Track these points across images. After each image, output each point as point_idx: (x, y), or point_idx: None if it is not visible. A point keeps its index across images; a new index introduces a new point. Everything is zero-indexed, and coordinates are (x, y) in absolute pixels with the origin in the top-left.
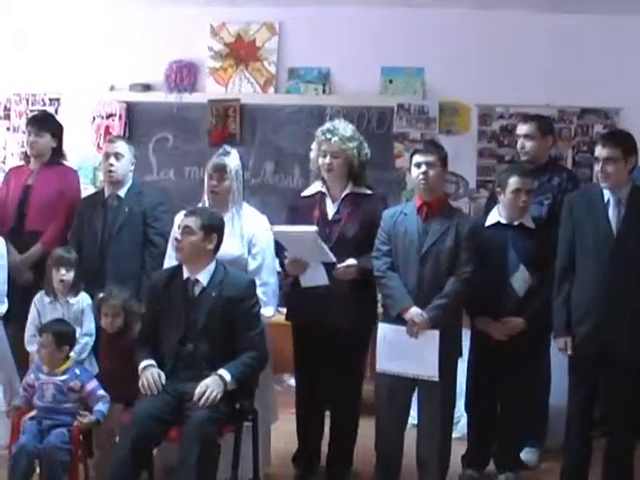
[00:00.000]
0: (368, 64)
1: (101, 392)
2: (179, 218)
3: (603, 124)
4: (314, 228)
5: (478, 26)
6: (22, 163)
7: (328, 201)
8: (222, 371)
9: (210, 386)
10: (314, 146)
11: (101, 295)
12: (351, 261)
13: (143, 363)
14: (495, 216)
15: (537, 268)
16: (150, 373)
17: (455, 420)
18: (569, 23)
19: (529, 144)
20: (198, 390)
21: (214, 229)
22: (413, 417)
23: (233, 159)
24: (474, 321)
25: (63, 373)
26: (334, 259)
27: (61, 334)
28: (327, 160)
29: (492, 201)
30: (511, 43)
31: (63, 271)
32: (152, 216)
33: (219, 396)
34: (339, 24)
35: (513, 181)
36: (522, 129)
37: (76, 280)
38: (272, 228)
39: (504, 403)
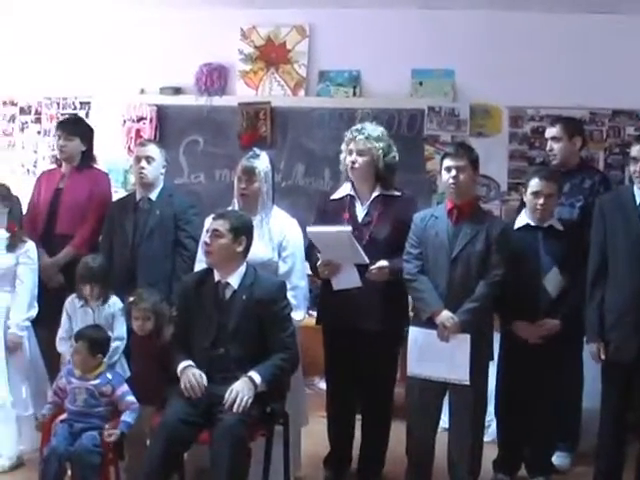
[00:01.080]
0: (398, 66)
1: (130, 398)
2: (208, 222)
3: (635, 126)
4: (349, 228)
5: (509, 28)
6: (54, 166)
7: (357, 203)
8: (252, 373)
9: (241, 391)
10: (343, 147)
11: (131, 298)
12: (383, 262)
13: (182, 364)
14: (523, 218)
15: (568, 269)
16: (192, 374)
17: (486, 424)
18: (601, 24)
19: (556, 146)
20: (228, 395)
21: (243, 231)
22: (444, 421)
23: (262, 162)
24: (511, 326)
25: (95, 378)
26: (367, 260)
27: (96, 342)
28: (352, 158)
29: (524, 204)
30: (542, 45)
31: (88, 289)
32: (183, 219)
33: (250, 401)
34: (369, 26)
35: (533, 183)
36: (549, 132)
37: (105, 288)
38: (307, 229)
39: (535, 407)
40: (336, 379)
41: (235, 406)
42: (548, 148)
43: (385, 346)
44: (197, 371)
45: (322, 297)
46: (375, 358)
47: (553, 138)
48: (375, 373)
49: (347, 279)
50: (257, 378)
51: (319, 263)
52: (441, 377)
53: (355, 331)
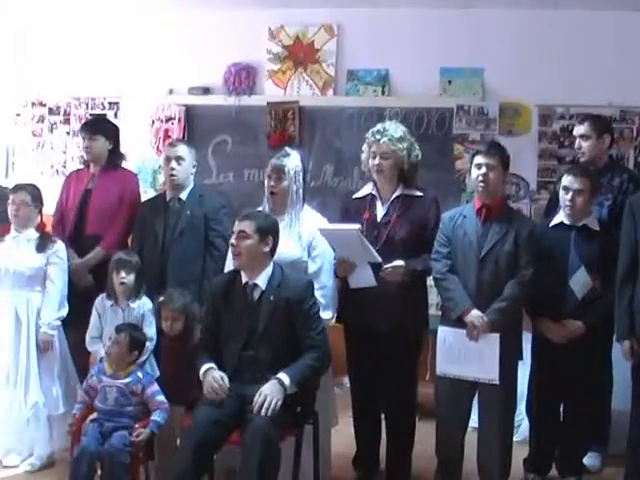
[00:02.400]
0: (427, 65)
1: (160, 398)
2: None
3: None
4: (357, 226)
5: (538, 26)
6: (82, 167)
7: (378, 203)
8: (281, 375)
9: (269, 394)
10: (364, 147)
11: (161, 299)
12: (399, 262)
13: (204, 367)
14: (559, 216)
15: (599, 271)
16: (212, 377)
17: (516, 424)
18: (630, 21)
19: (585, 144)
20: (257, 398)
21: (269, 231)
22: (474, 420)
23: (292, 161)
24: (534, 322)
25: (126, 376)
26: (380, 259)
27: (135, 339)
28: (376, 161)
29: (552, 202)
30: (572, 43)
31: (123, 274)
32: (214, 219)
33: (279, 403)
34: (398, 25)
35: (564, 179)
36: (578, 129)
37: (138, 284)
38: (318, 227)
39: (566, 407)
40: (358, 378)
41: (263, 409)
42: (577, 146)
43: (402, 348)
44: (219, 373)
45: (341, 296)
46: (392, 359)
47: (582, 136)
48: (394, 374)
49: (362, 278)
50: (286, 380)
51: (334, 261)
52: (470, 376)
53: (372, 331)
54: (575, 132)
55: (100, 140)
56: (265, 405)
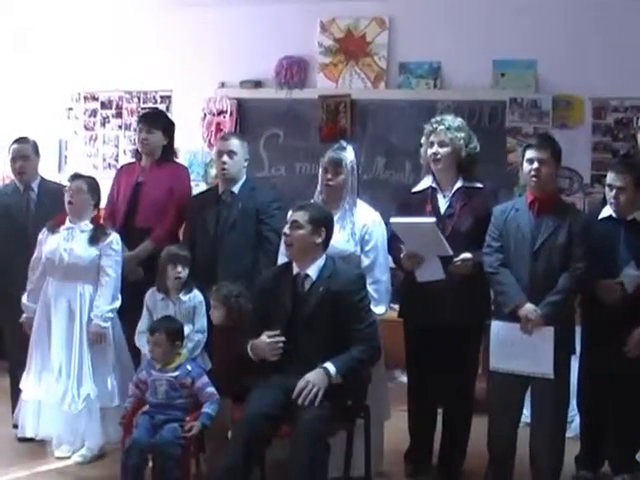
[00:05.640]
0: (479, 57)
1: (210, 390)
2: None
3: None
4: (433, 219)
5: (592, 17)
6: (133, 160)
7: (439, 196)
8: (328, 364)
9: (312, 381)
10: (423, 140)
11: (214, 288)
12: (467, 255)
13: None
14: (607, 210)
15: None
16: (260, 343)
17: (569, 419)
18: None
19: None
20: (301, 384)
21: (322, 223)
22: (526, 416)
23: (349, 154)
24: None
25: (175, 369)
26: (451, 252)
27: (172, 331)
28: (434, 149)
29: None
30: (626, 34)
31: (179, 268)
32: (266, 212)
33: (321, 392)
34: (450, 17)
35: (607, 175)
36: None
37: (189, 278)
38: (390, 220)
39: (618, 402)
40: (417, 374)
41: (301, 398)
42: None
43: (467, 340)
44: (262, 337)
45: (404, 291)
46: (457, 352)
47: None
48: (457, 367)
49: (431, 271)
50: (332, 369)
51: (403, 255)
52: (525, 371)
53: (437, 325)
54: None
55: (158, 134)
56: (305, 393)
